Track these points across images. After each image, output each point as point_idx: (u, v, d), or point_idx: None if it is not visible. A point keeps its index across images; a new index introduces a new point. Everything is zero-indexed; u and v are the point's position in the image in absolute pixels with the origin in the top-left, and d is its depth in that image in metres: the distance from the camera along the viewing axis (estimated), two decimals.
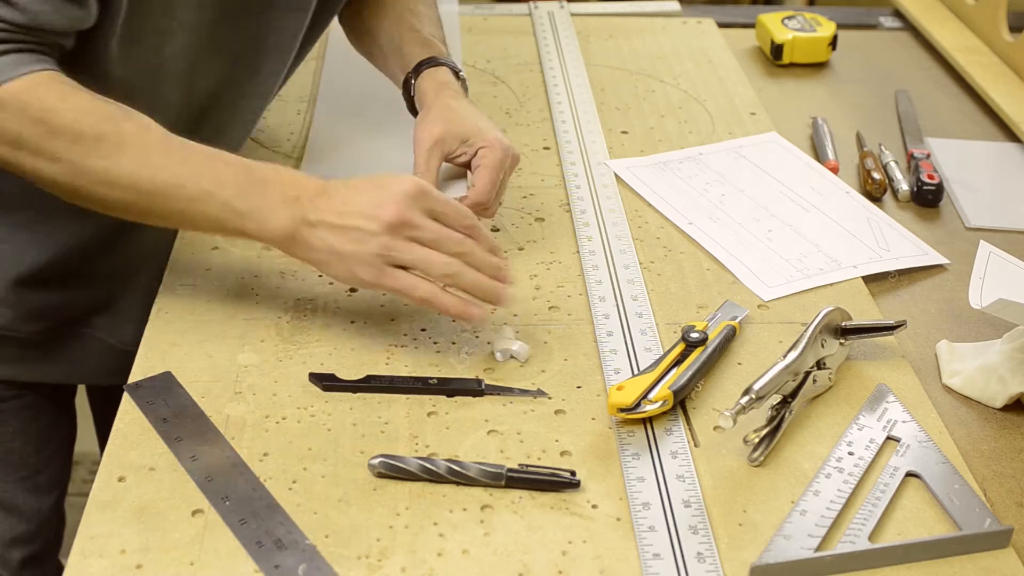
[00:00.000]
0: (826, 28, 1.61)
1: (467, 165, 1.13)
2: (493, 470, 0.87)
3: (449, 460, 0.88)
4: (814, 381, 0.96)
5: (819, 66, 1.62)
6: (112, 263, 1.16)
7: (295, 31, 1.15)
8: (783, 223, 1.22)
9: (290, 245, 0.95)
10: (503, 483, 0.87)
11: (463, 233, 0.95)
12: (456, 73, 1.19)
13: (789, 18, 1.63)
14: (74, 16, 0.93)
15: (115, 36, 0.98)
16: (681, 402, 0.96)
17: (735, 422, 0.89)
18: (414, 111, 1.20)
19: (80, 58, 0.98)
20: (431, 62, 1.19)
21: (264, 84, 1.17)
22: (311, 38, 1.21)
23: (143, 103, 0.97)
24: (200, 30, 1.04)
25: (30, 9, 0.90)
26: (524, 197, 1.26)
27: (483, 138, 1.11)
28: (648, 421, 0.94)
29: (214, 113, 1.14)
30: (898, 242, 1.20)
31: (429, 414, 0.95)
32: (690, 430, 0.94)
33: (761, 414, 0.92)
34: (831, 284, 1.13)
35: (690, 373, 0.97)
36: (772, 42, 1.61)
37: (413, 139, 1.13)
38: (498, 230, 1.20)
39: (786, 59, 1.61)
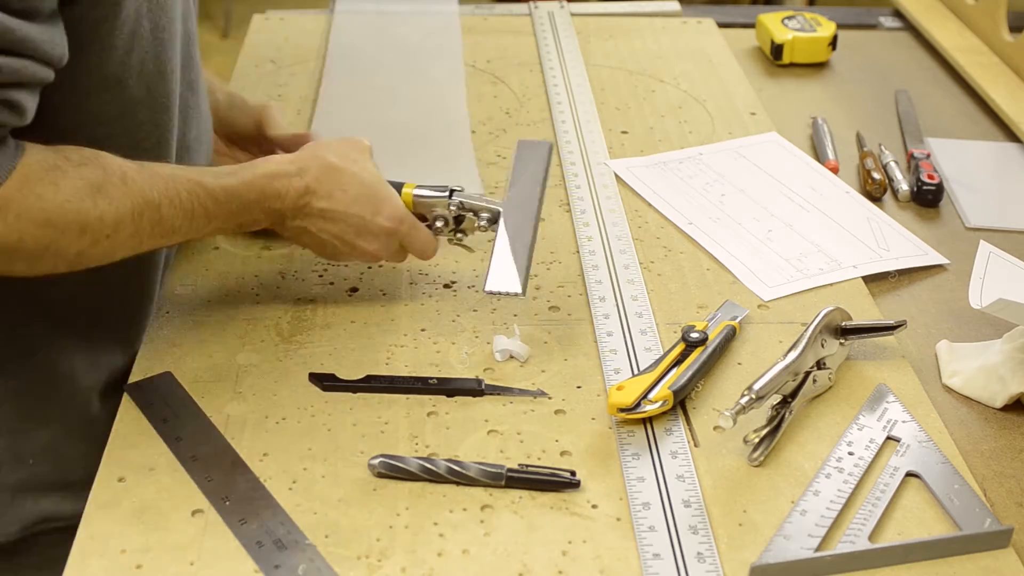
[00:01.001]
0: (826, 28, 1.61)
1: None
2: (493, 470, 0.87)
3: (449, 460, 0.88)
4: (814, 381, 0.96)
5: (819, 66, 1.62)
6: None
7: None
8: (783, 223, 1.22)
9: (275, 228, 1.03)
10: (503, 483, 0.87)
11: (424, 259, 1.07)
12: None
13: (789, 18, 1.63)
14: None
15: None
16: (681, 402, 0.96)
17: (735, 422, 0.89)
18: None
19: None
20: None
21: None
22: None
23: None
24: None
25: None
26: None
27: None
28: (648, 421, 0.94)
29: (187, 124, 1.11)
30: (898, 242, 1.20)
31: (429, 414, 0.95)
32: (690, 430, 0.94)
33: (761, 414, 0.92)
34: (831, 284, 1.13)
35: (690, 373, 0.97)
36: (772, 42, 1.61)
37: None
38: None
39: (786, 59, 1.61)
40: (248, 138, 1.20)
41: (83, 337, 1.04)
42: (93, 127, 0.93)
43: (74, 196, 0.87)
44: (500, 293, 1.02)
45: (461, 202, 1.06)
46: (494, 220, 1.06)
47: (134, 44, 0.94)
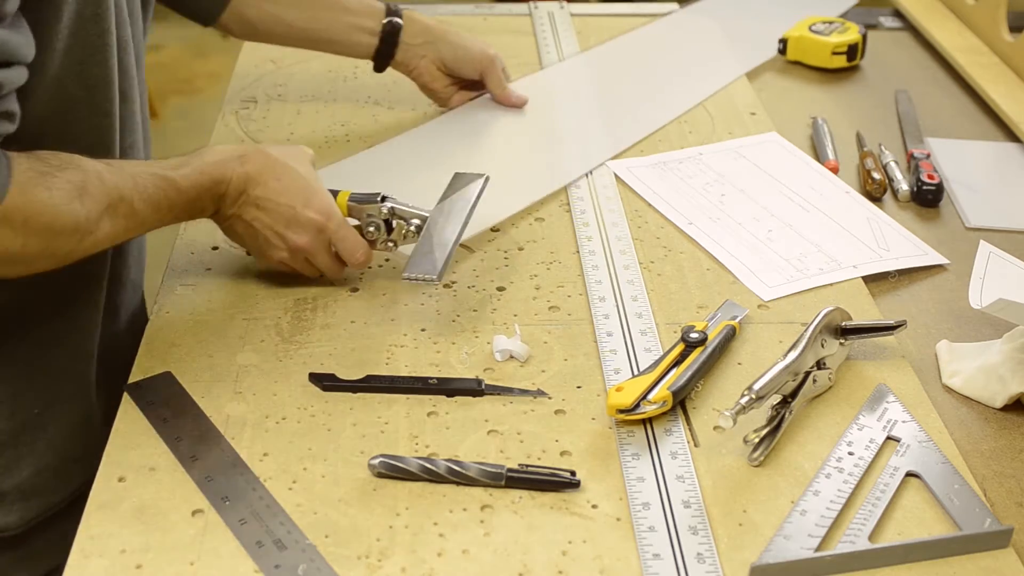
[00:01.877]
0: (844, 36, 1.59)
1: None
2: (493, 470, 0.87)
3: (449, 460, 0.88)
4: (814, 381, 0.96)
5: (817, 66, 1.61)
6: None
7: None
8: (783, 223, 1.22)
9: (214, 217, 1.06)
10: (503, 483, 0.87)
11: (353, 264, 1.08)
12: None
13: (827, 23, 1.62)
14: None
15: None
16: (681, 402, 0.96)
17: (735, 422, 0.89)
18: (385, 54, 1.38)
19: None
20: (394, 10, 1.37)
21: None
22: None
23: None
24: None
25: None
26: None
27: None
28: (648, 421, 0.94)
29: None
30: (898, 242, 1.20)
31: (429, 414, 0.95)
32: (690, 430, 0.94)
33: (761, 414, 0.92)
34: (831, 284, 1.13)
35: (690, 373, 0.97)
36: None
37: (475, 61, 1.39)
38: (497, 230, 1.20)
39: (790, 55, 1.60)
40: (473, 84, 1.42)
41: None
42: (32, 127, 0.94)
43: (66, 199, 0.89)
44: (417, 279, 1.04)
45: (392, 208, 1.09)
46: (423, 227, 1.08)
47: (73, 45, 0.95)
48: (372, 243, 1.09)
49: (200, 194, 1.01)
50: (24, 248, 0.88)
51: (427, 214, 1.09)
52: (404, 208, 1.09)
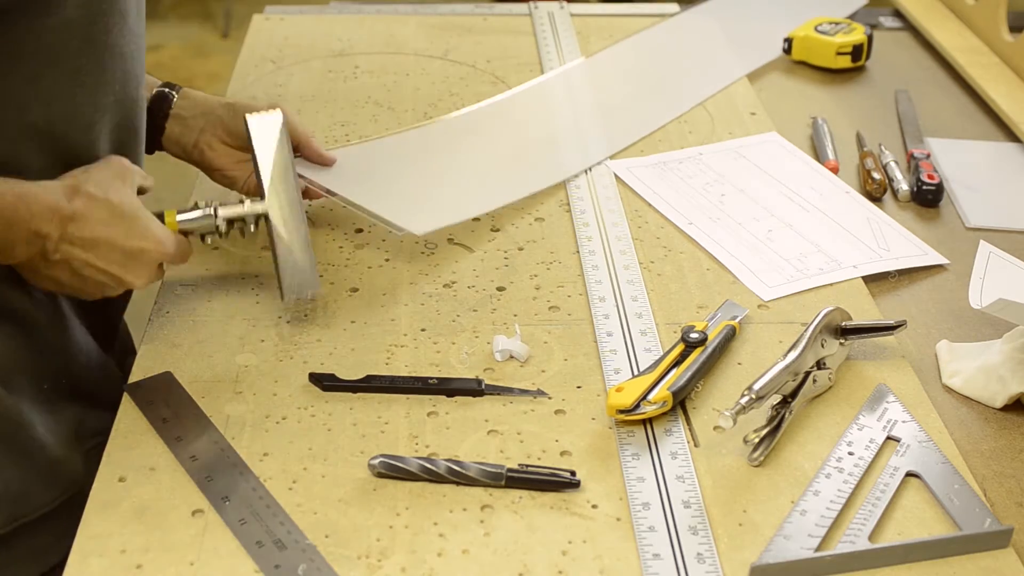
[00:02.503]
0: (849, 36, 1.59)
1: None
2: (493, 470, 0.87)
3: (449, 460, 0.88)
4: (814, 381, 0.96)
5: (821, 67, 1.61)
6: None
7: None
8: (783, 223, 1.22)
9: (22, 270, 0.96)
10: (503, 483, 0.87)
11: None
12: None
13: (832, 23, 1.62)
14: None
15: None
16: (681, 402, 0.96)
17: (735, 422, 0.89)
18: (153, 128, 1.15)
19: None
20: (170, 84, 1.17)
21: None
22: None
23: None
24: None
25: None
26: (524, 197, 1.26)
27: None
28: (648, 421, 0.94)
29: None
30: (898, 242, 1.20)
31: (429, 414, 0.95)
32: (690, 430, 0.94)
33: (761, 414, 0.92)
34: (831, 284, 1.13)
35: (690, 373, 0.97)
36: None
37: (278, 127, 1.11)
38: (498, 230, 1.20)
39: (795, 55, 1.60)
40: None
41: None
42: (32, 54, 0.91)
43: None
44: (303, 298, 1.04)
45: (227, 219, 1.03)
46: (259, 220, 1.04)
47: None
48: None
49: (13, 222, 0.91)
50: None
51: (263, 208, 1.03)
52: (237, 211, 1.03)
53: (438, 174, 1.27)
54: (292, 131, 1.13)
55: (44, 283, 0.96)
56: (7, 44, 0.92)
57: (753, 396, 0.90)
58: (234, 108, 1.14)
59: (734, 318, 1.05)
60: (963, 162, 1.38)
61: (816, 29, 1.60)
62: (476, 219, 1.21)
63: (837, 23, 1.62)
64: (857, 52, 1.59)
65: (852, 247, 1.19)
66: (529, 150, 1.35)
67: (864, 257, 1.17)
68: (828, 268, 1.15)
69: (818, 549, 0.82)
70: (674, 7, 1.78)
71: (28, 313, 1.00)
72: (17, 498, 0.99)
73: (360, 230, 1.19)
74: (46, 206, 0.92)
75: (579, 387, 0.98)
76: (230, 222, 1.04)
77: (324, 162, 1.18)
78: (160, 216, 1.01)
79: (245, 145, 1.10)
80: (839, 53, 1.58)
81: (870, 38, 1.60)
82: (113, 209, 0.95)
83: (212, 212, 1.03)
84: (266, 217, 1.03)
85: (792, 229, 1.21)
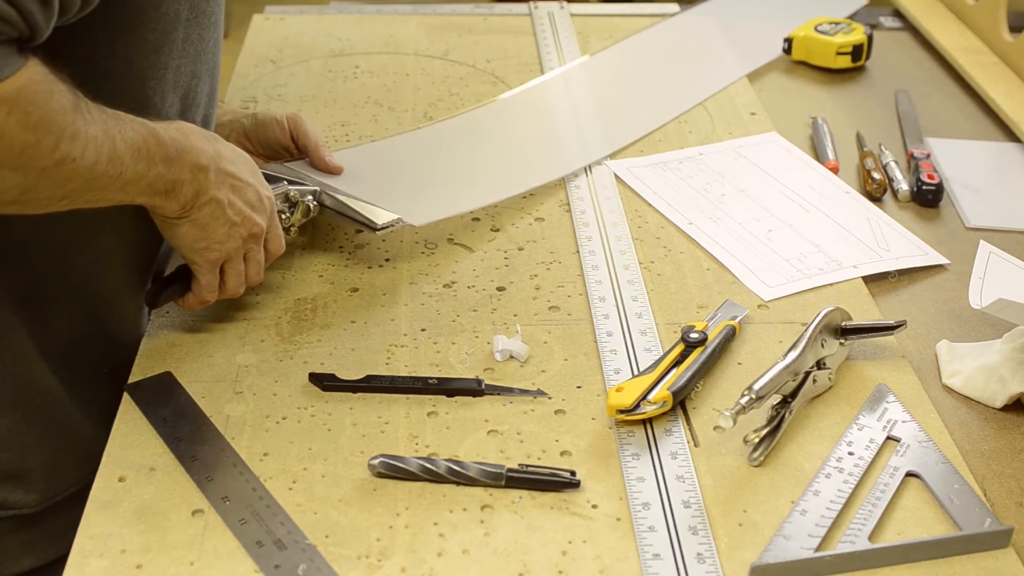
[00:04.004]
0: (849, 36, 1.59)
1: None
2: (493, 470, 0.87)
3: (449, 460, 0.88)
4: (814, 381, 0.96)
5: (821, 67, 1.61)
6: None
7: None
8: (783, 223, 1.22)
9: (167, 226, 0.98)
10: (503, 483, 0.87)
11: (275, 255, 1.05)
12: None
13: (833, 23, 1.62)
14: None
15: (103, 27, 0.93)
16: (681, 402, 0.96)
17: (735, 422, 0.89)
18: None
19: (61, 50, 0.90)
20: None
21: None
22: None
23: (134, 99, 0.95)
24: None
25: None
26: (524, 197, 1.26)
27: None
28: (648, 421, 0.94)
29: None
30: (898, 242, 1.20)
31: (429, 414, 0.95)
32: (690, 430, 0.94)
33: (761, 414, 0.92)
34: (831, 284, 1.13)
35: (690, 373, 0.97)
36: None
37: (279, 121, 1.19)
38: (498, 230, 1.20)
39: (796, 55, 1.60)
40: (283, 147, 1.20)
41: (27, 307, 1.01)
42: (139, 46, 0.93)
43: (62, 108, 0.83)
44: (392, 224, 1.10)
45: (292, 190, 1.09)
46: (318, 194, 1.11)
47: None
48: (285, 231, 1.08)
49: (181, 153, 0.93)
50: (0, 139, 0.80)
51: (311, 185, 1.11)
52: (296, 186, 1.09)
53: (437, 171, 1.27)
54: (304, 135, 1.18)
55: (184, 238, 0.97)
56: (131, 14, 0.93)
57: (753, 396, 0.90)
58: (256, 119, 1.19)
59: (734, 318, 1.05)
60: (963, 162, 1.38)
61: (816, 29, 1.60)
62: (476, 219, 1.21)
63: (837, 23, 1.62)
64: (857, 52, 1.59)
65: (852, 247, 1.19)
66: (529, 148, 1.35)
67: (864, 257, 1.17)
68: (828, 268, 1.15)
69: (818, 549, 0.82)
70: (674, 7, 1.78)
71: (105, 303, 1.04)
72: (50, 476, 1.02)
73: (360, 230, 1.19)
74: (201, 136, 0.96)
75: (579, 387, 0.98)
76: (295, 197, 1.09)
77: (330, 171, 1.19)
78: None
79: (264, 153, 1.19)
80: (839, 53, 1.58)
81: (870, 38, 1.60)
82: (241, 153, 1.00)
83: (285, 183, 1.09)
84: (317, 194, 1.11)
85: (792, 229, 1.21)
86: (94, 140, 0.85)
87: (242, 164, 1.00)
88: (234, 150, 1.00)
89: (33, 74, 0.82)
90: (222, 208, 0.97)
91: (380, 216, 1.11)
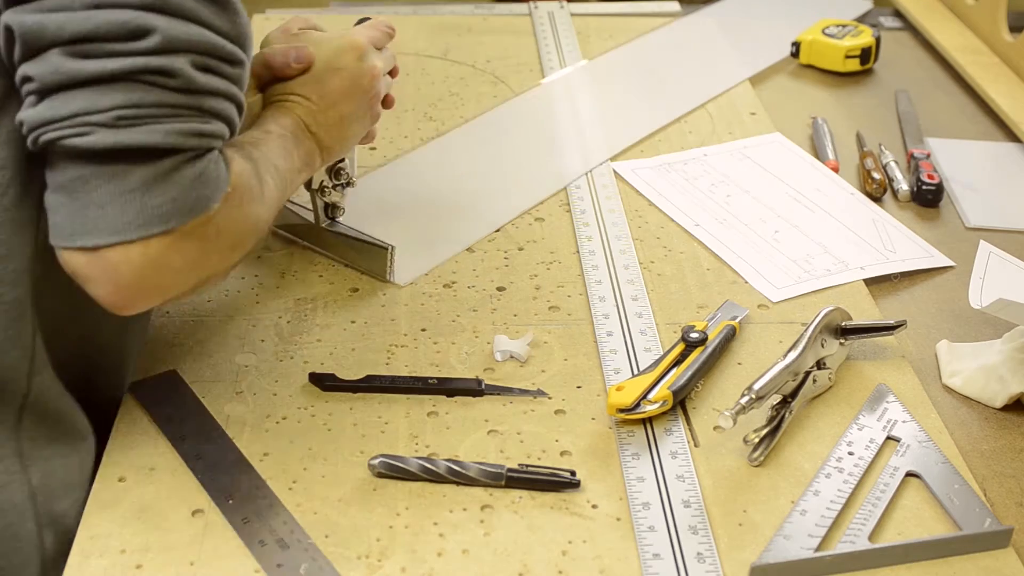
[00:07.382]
0: (857, 39, 1.59)
1: None
2: (493, 470, 0.87)
3: (449, 460, 0.88)
4: (814, 381, 0.96)
5: (831, 71, 1.60)
6: None
7: None
8: (789, 224, 1.22)
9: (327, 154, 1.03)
10: (503, 483, 0.87)
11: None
12: None
13: (840, 26, 1.61)
14: None
15: None
16: (681, 402, 0.96)
17: (735, 422, 0.89)
18: None
19: None
20: None
21: None
22: None
23: None
24: None
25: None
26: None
27: None
28: (648, 421, 0.94)
29: None
30: (903, 244, 1.20)
31: (429, 414, 0.95)
32: (690, 430, 0.94)
33: (761, 414, 0.92)
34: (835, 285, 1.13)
35: (690, 373, 0.97)
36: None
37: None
38: (498, 230, 1.20)
39: (803, 59, 1.60)
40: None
41: None
42: None
43: (248, 173, 0.84)
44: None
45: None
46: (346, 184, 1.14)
47: None
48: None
49: (295, 127, 0.97)
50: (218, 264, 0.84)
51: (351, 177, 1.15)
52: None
53: (437, 205, 1.25)
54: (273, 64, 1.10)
55: (350, 140, 1.06)
56: None
57: (753, 396, 0.90)
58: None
59: (734, 318, 1.05)
60: (963, 162, 1.38)
61: (824, 32, 1.59)
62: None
63: (844, 25, 1.61)
64: (866, 55, 1.58)
65: (858, 248, 1.18)
66: (530, 161, 1.34)
67: (871, 259, 1.17)
68: (836, 269, 1.15)
69: (818, 549, 0.82)
70: (675, 6, 1.78)
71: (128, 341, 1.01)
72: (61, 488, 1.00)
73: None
74: (289, 92, 0.99)
75: (579, 387, 0.98)
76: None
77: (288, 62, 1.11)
78: None
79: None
80: (848, 56, 1.58)
81: (878, 40, 1.59)
82: (300, 80, 1.01)
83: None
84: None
85: (798, 230, 1.21)
86: (270, 197, 0.88)
87: (312, 85, 1.00)
88: (298, 83, 1.00)
89: (240, 180, 0.83)
90: (345, 121, 1.02)
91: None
